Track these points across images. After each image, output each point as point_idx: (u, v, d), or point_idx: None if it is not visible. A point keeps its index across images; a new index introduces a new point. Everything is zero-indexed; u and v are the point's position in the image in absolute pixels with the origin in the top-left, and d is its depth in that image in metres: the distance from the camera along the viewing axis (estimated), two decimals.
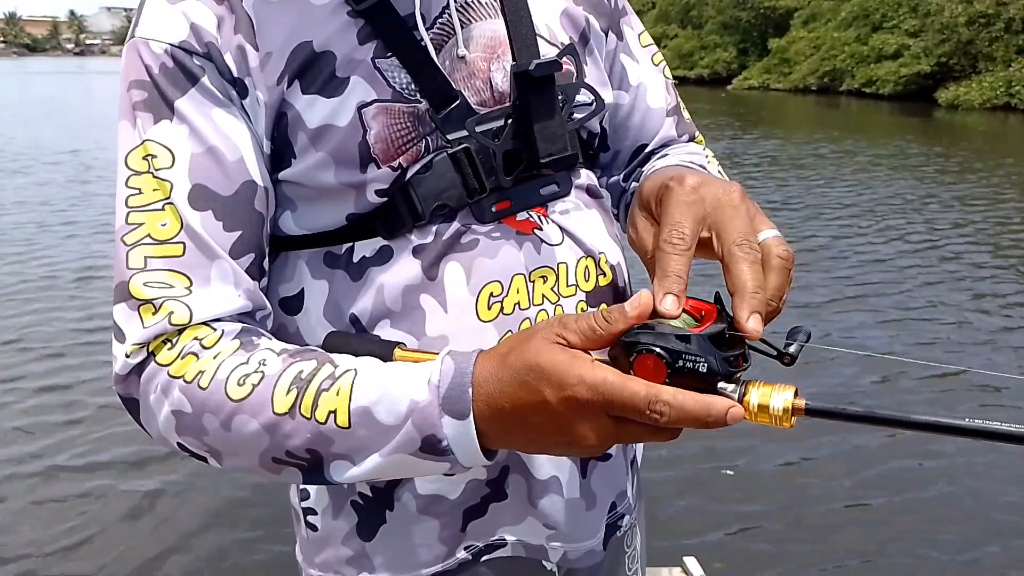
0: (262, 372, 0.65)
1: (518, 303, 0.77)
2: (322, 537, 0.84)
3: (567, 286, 0.80)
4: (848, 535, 2.81)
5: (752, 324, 0.55)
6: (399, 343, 0.70)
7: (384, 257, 0.75)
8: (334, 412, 0.63)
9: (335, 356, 0.67)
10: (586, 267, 0.81)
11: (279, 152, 0.73)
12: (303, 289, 0.78)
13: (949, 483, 3.14)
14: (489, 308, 0.76)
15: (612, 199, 0.99)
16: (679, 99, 0.99)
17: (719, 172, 0.92)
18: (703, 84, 30.48)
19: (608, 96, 0.88)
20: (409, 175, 0.74)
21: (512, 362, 0.58)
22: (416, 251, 0.75)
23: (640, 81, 0.94)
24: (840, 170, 10.41)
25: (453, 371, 0.61)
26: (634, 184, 0.94)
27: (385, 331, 0.75)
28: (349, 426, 0.62)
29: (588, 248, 0.82)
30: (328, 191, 0.74)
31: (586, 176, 0.86)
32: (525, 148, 0.76)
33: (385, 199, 0.74)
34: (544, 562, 0.85)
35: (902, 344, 4.55)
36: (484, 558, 0.84)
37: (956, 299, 5.30)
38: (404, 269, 0.75)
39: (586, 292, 0.81)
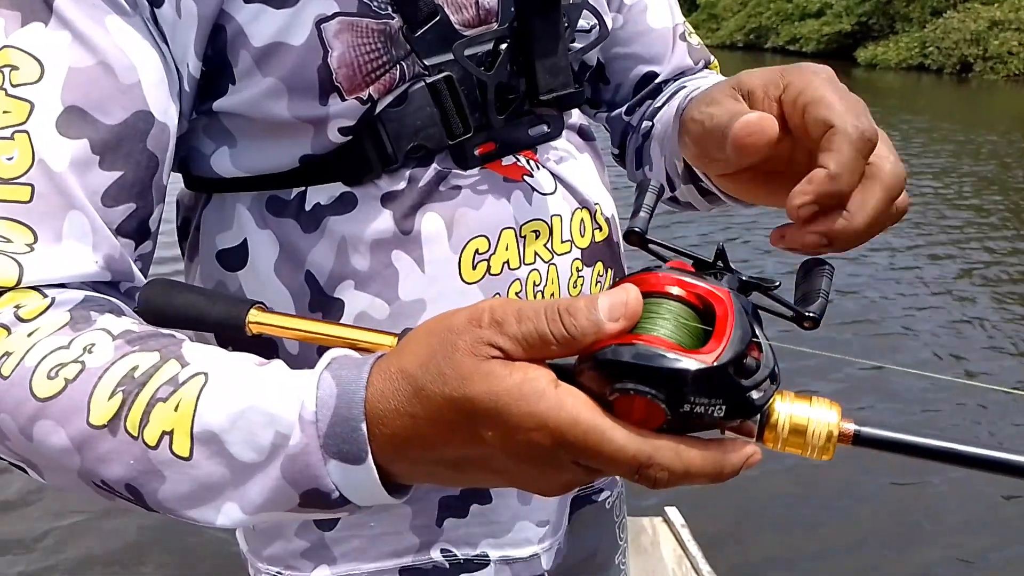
0: (82, 363, 0.47)
1: (507, 262, 0.66)
2: (271, 528, 0.72)
3: (561, 242, 0.69)
4: (836, 492, 2.90)
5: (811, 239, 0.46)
6: (257, 302, 0.52)
7: (346, 205, 0.63)
8: (170, 434, 0.46)
9: (188, 348, 0.49)
10: (581, 220, 0.71)
11: (213, 75, 0.59)
12: (245, 240, 0.65)
13: None
14: (474, 268, 0.65)
15: (614, 137, 0.87)
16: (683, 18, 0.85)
17: None
18: None
19: (608, 21, 0.75)
20: (379, 109, 0.61)
21: (430, 392, 0.41)
22: (385, 200, 0.63)
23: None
24: None
25: (335, 398, 0.43)
26: (646, 123, 0.81)
27: (348, 294, 0.64)
28: (190, 456, 0.46)
29: (583, 198, 0.72)
30: (278, 126, 0.61)
31: (577, 115, 0.76)
32: (521, 81, 0.65)
33: (349, 138, 0.62)
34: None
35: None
36: (463, 575, 0.72)
37: (871, 245, 5.67)
38: (372, 220, 0.63)
39: (582, 249, 0.71)
